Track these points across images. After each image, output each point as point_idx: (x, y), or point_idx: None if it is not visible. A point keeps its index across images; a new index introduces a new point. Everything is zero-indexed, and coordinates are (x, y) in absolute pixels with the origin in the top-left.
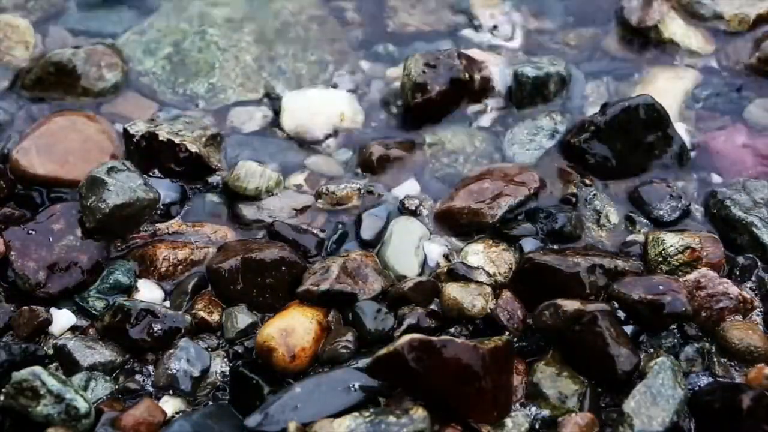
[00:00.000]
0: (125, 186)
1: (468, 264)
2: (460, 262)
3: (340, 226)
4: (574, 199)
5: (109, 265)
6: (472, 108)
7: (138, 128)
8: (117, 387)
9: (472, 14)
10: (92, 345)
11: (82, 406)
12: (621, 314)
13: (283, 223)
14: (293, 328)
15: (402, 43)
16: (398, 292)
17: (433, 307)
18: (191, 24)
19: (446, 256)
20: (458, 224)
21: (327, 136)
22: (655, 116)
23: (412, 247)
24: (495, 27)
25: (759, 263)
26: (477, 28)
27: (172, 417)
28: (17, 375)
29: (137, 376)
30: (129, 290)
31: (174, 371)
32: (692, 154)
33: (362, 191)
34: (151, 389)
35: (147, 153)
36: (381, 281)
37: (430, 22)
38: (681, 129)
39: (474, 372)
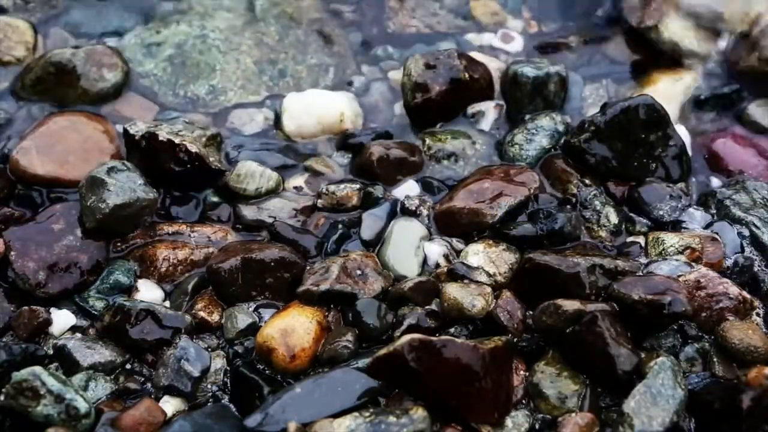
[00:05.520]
0: (125, 186)
1: (468, 264)
2: (460, 262)
3: (340, 226)
4: (574, 199)
5: (109, 265)
6: (472, 108)
7: (138, 128)
8: (117, 387)
9: (472, 15)
10: (92, 345)
11: (82, 406)
12: None
13: (284, 224)
14: (293, 328)
15: (402, 45)
16: (398, 292)
17: (432, 306)
18: (192, 26)
19: (446, 256)
20: (458, 224)
21: (327, 137)
22: (654, 116)
23: (412, 247)
24: (495, 28)
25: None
26: (477, 29)
27: (172, 417)
28: (17, 375)
29: (137, 376)
30: (129, 290)
31: (174, 371)
32: (692, 153)
33: (362, 192)
34: (151, 389)
35: (147, 153)
36: (381, 281)
37: (430, 23)
38: (681, 129)
39: (474, 372)
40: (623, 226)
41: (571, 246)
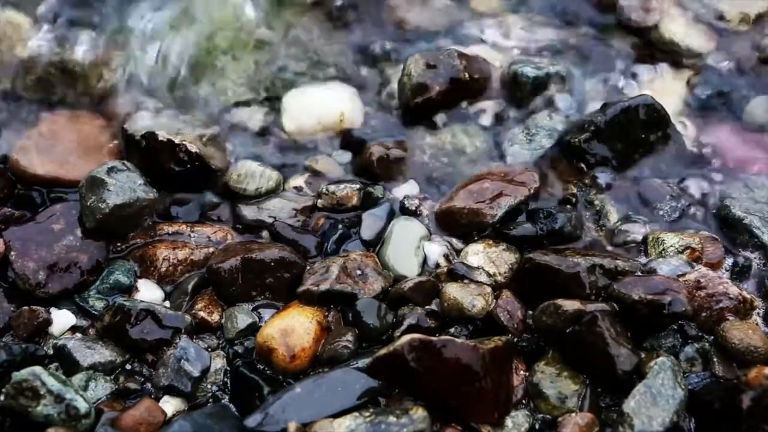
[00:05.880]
0: (125, 186)
1: (468, 264)
2: (460, 262)
3: (340, 226)
4: (574, 199)
5: (109, 265)
6: (472, 108)
7: (138, 128)
8: (117, 387)
9: (472, 13)
10: (92, 345)
11: (82, 406)
12: None
13: (284, 224)
14: (293, 328)
15: (401, 42)
16: (398, 292)
17: (432, 306)
18: (193, 24)
19: (446, 256)
20: (458, 224)
21: (327, 137)
22: (655, 116)
23: (412, 247)
24: (495, 24)
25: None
26: (477, 27)
27: (172, 417)
28: (17, 375)
29: (137, 376)
30: (129, 290)
31: (174, 371)
32: (692, 153)
33: (362, 192)
34: (151, 389)
35: (147, 153)
36: (381, 281)
37: (429, 20)
38: (681, 128)
39: (474, 372)
40: (623, 226)
41: (571, 246)
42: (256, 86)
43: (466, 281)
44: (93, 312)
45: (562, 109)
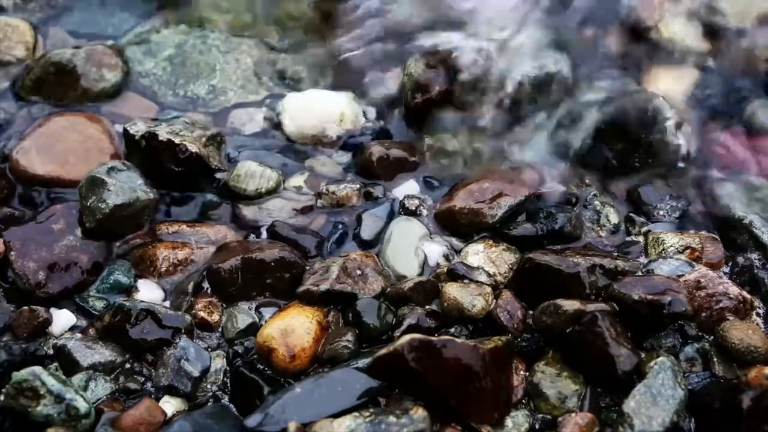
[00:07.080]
0: (125, 186)
1: (468, 264)
2: (460, 262)
3: (340, 226)
4: (574, 199)
5: (109, 265)
6: (472, 108)
7: (138, 128)
8: (117, 387)
9: (473, 13)
10: (92, 345)
11: (82, 406)
12: None
13: (284, 223)
14: (293, 328)
15: (402, 43)
16: (398, 292)
17: (432, 306)
18: (192, 26)
19: (446, 256)
20: (458, 224)
21: (327, 137)
22: (655, 116)
23: (412, 247)
24: (496, 27)
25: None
26: (477, 26)
27: (172, 417)
28: (17, 375)
29: (137, 376)
30: (129, 290)
31: (174, 371)
32: (692, 153)
33: (362, 191)
34: (151, 389)
35: (147, 153)
36: (381, 281)
37: (430, 21)
38: (681, 129)
39: (474, 372)
40: (623, 226)
41: (571, 246)
42: (257, 87)
43: (466, 281)
44: (93, 312)
45: (560, 111)
